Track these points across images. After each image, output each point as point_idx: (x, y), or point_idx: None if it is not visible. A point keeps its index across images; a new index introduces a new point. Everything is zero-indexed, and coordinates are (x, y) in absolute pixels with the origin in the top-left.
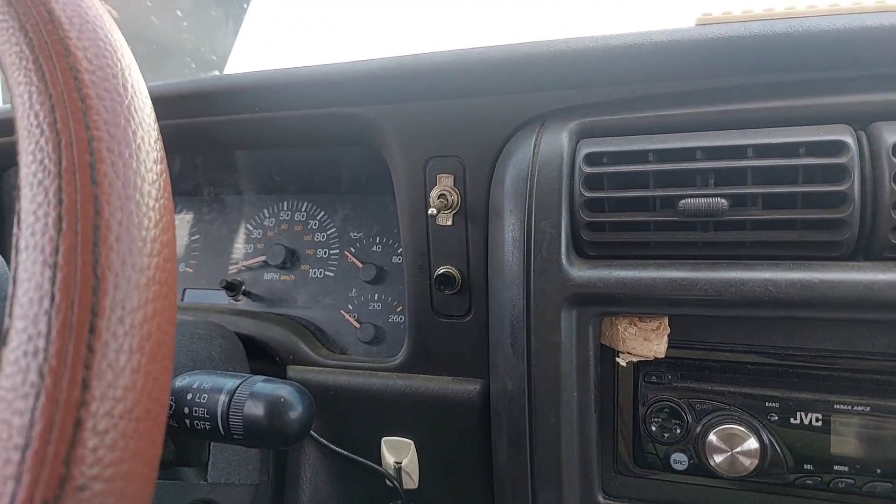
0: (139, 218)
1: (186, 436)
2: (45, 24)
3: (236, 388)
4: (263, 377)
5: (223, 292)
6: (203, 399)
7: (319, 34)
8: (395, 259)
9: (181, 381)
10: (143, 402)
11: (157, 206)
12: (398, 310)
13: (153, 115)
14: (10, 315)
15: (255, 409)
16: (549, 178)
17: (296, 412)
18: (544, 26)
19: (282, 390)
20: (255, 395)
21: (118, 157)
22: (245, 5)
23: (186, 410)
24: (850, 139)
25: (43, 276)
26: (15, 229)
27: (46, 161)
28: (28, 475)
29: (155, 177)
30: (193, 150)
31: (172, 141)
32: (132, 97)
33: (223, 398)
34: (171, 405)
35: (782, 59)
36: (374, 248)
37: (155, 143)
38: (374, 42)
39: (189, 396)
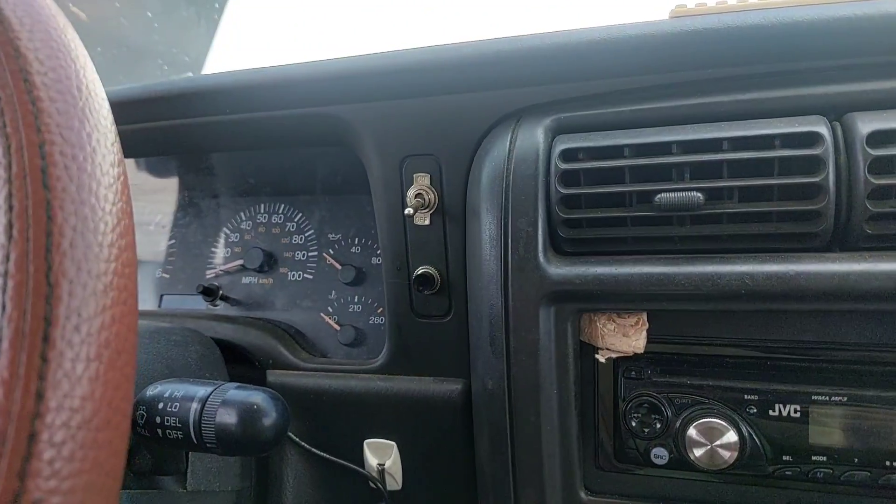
0: (95, 222)
1: (159, 445)
2: None
3: (208, 396)
4: (237, 384)
5: (200, 297)
6: (175, 408)
7: (300, 33)
8: (375, 260)
9: (153, 390)
10: (102, 411)
11: (113, 209)
12: (378, 311)
13: (110, 118)
14: None
15: (228, 417)
16: (525, 176)
17: (269, 419)
18: (521, 21)
19: (255, 397)
20: (228, 402)
21: (72, 161)
22: (217, 4)
23: (158, 420)
24: (824, 130)
25: None
26: None
27: None
28: None
29: (112, 180)
30: (166, 153)
31: (145, 144)
32: (87, 99)
33: (195, 406)
34: (143, 415)
35: (756, 51)
36: (352, 250)
37: (112, 145)
38: (353, 40)
39: (161, 405)
